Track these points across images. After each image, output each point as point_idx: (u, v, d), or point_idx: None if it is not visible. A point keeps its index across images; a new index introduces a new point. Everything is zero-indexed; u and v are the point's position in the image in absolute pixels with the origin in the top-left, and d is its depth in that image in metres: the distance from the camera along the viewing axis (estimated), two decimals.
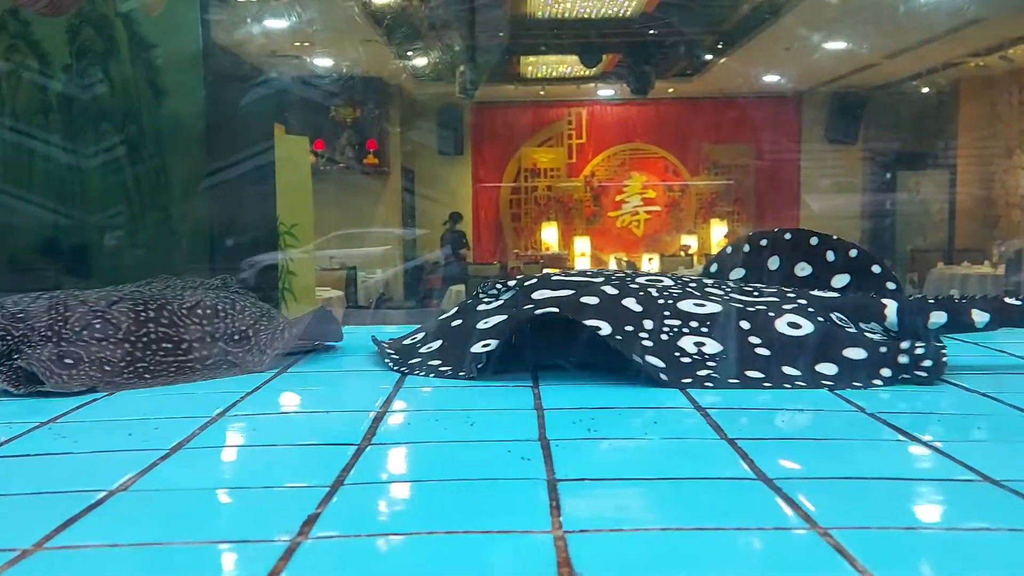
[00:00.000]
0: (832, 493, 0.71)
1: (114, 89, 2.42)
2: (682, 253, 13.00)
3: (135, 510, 0.72)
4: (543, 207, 13.96)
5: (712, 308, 1.20)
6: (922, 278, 10.40)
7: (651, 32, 10.38)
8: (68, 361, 1.18)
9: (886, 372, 1.10)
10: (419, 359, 1.27)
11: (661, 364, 1.11)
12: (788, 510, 0.66)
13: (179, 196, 2.49)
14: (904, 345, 1.12)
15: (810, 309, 1.20)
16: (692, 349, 1.14)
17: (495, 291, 1.35)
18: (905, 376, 1.10)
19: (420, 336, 1.36)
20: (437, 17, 10.02)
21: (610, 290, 1.24)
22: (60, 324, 1.24)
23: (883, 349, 1.12)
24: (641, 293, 1.23)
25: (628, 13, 9.88)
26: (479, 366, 1.19)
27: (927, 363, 1.10)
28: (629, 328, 1.15)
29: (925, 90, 11.77)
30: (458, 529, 0.66)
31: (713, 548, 0.60)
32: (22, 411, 1.06)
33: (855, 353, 1.12)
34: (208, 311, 1.35)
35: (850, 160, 13.12)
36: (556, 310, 1.18)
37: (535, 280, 1.34)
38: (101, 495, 0.74)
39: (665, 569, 0.57)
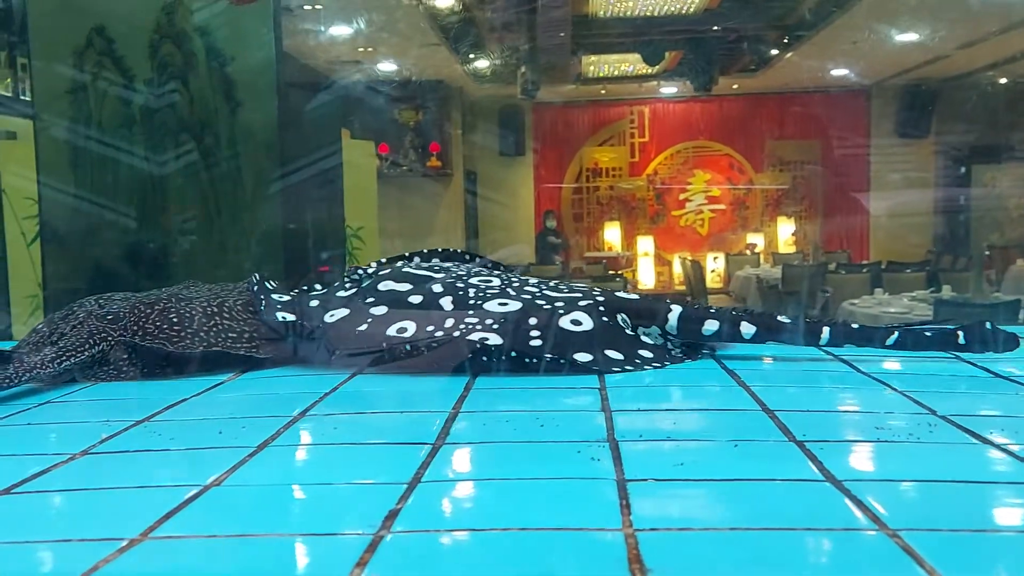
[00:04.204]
0: (901, 496, 0.72)
1: (192, 100, 2.52)
2: (748, 252, 12.79)
3: (229, 504, 0.77)
4: (605, 207, 13.91)
5: (513, 306, 1.34)
6: (1000, 275, 10.03)
7: (714, 28, 10.26)
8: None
9: (630, 367, 1.27)
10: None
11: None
12: (857, 512, 0.67)
13: (253, 201, 2.59)
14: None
15: (600, 308, 1.34)
16: (477, 340, 1.28)
17: (357, 276, 1.50)
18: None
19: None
20: (498, 19, 10.08)
21: (436, 288, 1.39)
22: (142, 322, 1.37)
23: (647, 353, 1.30)
24: (460, 293, 1.38)
25: (691, 10, 9.78)
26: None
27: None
28: (430, 328, 1.30)
29: (1002, 81, 11.34)
30: (531, 526, 0.68)
31: (782, 548, 0.62)
32: (118, 411, 1.13)
33: (613, 354, 1.28)
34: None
35: (922, 154, 12.72)
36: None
37: (388, 271, 1.48)
38: (197, 489, 0.79)
39: (734, 568, 0.59)
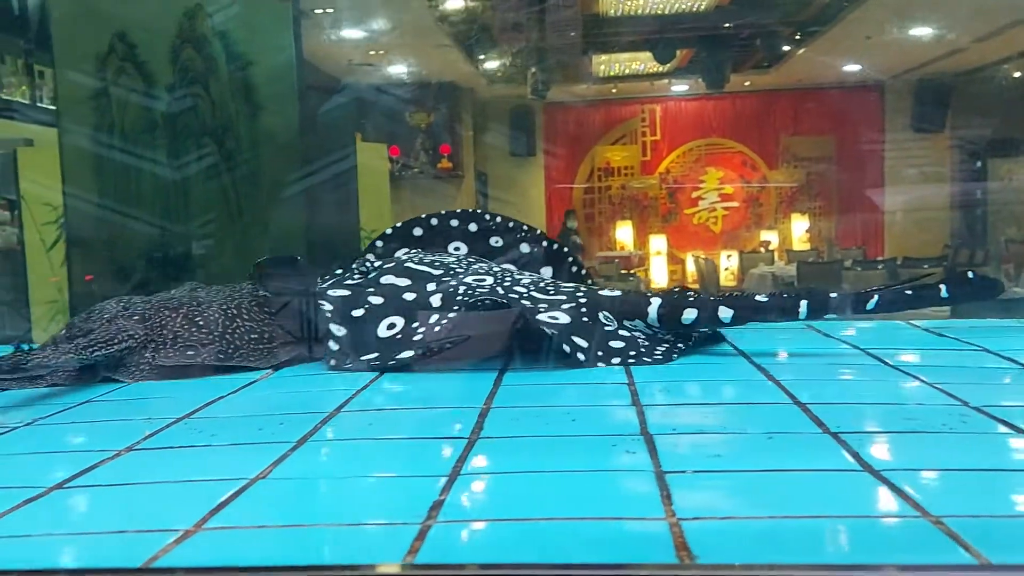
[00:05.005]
0: (941, 484, 0.73)
1: (213, 105, 2.54)
2: (762, 249, 12.74)
3: (276, 496, 0.79)
4: (617, 206, 13.89)
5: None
6: (1018, 269, 9.95)
7: (726, 25, 10.23)
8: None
9: (616, 360, 1.30)
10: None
11: (409, 353, 1.32)
12: (898, 500, 0.68)
13: (274, 205, 2.61)
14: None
15: (582, 309, 1.38)
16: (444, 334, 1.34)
17: (364, 268, 1.57)
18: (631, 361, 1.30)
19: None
20: (509, 19, 10.09)
21: (431, 286, 1.45)
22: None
23: (617, 344, 1.32)
24: (451, 291, 1.43)
25: (702, 7, 9.76)
26: None
27: (657, 355, 1.31)
28: (415, 324, 1.38)
29: (1017, 74, 11.25)
30: (575, 516, 0.70)
31: (827, 535, 0.63)
32: (157, 409, 1.15)
33: (579, 341, 1.30)
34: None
35: (937, 149, 12.63)
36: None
37: (392, 264, 1.54)
38: (244, 483, 0.81)
39: (781, 554, 0.60)
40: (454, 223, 1.75)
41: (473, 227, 1.74)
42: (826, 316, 1.33)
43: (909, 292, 1.32)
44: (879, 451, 0.82)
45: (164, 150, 2.59)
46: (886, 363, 1.26)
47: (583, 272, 1.72)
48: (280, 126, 2.57)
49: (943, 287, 1.31)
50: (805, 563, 0.57)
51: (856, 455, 0.80)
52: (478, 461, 0.86)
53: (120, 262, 2.65)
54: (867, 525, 0.64)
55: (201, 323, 1.41)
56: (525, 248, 1.71)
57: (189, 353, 1.37)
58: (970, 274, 1.33)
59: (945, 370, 1.21)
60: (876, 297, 1.30)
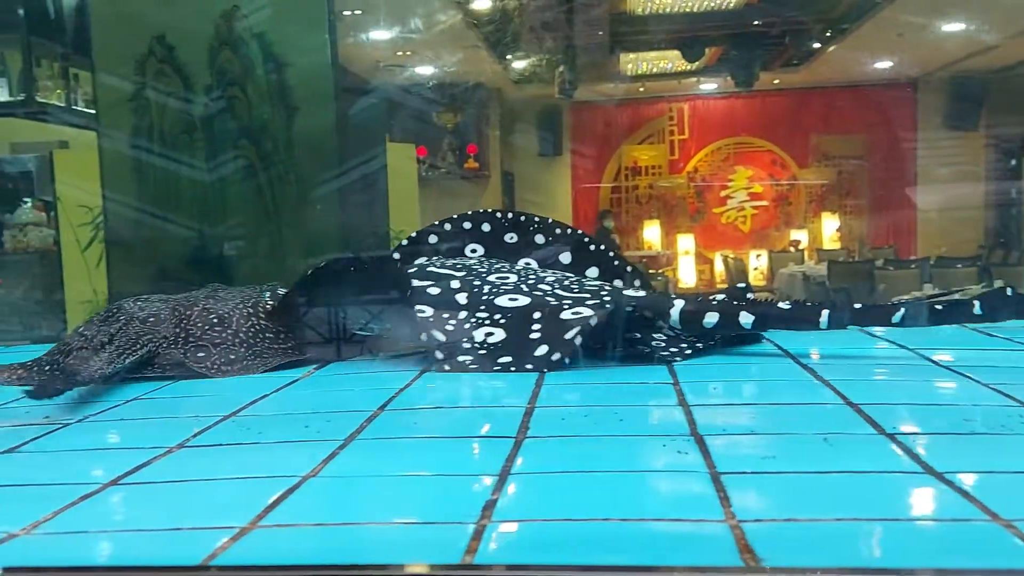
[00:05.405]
0: (1007, 486, 0.71)
1: (251, 106, 2.57)
2: (792, 248, 12.62)
3: (329, 494, 0.79)
4: (644, 206, 13.83)
5: (523, 301, 1.40)
6: None
7: (755, 23, 10.14)
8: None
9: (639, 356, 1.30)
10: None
11: (440, 354, 1.33)
12: (966, 502, 0.67)
13: (310, 206, 2.62)
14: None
15: (607, 305, 1.37)
16: (480, 338, 1.35)
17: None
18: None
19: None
20: (536, 19, 10.09)
21: (455, 284, 1.47)
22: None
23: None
24: (475, 289, 1.45)
25: (731, 5, 9.69)
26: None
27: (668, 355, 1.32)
28: (452, 321, 1.39)
29: None
30: (631, 517, 0.69)
31: (894, 538, 0.62)
32: (204, 407, 1.16)
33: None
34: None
35: (971, 147, 12.43)
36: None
37: (415, 269, 1.55)
38: (296, 480, 0.81)
39: (848, 558, 0.59)
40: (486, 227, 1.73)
41: (513, 232, 1.72)
42: (849, 327, 1.30)
43: (939, 307, 1.27)
44: (939, 453, 0.80)
45: (202, 152, 2.61)
46: (936, 363, 1.23)
47: (626, 267, 1.71)
48: (316, 127, 2.59)
49: (977, 303, 1.26)
50: (876, 567, 0.56)
51: (916, 457, 0.78)
52: (527, 460, 0.85)
53: (158, 263, 2.68)
54: (936, 528, 0.63)
55: (216, 320, 1.42)
56: (559, 249, 1.70)
57: (230, 358, 1.37)
58: (1008, 291, 1.29)
59: (999, 370, 1.18)
60: (903, 310, 1.26)
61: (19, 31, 7.38)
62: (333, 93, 2.50)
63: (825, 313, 1.29)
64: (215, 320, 1.43)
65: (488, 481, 0.79)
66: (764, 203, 13.40)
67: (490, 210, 1.75)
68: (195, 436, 1.00)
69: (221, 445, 0.96)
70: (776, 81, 12.51)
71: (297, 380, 1.33)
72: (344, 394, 1.24)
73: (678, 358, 1.33)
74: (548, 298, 1.42)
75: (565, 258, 1.69)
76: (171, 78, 2.58)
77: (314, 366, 1.42)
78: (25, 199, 6.10)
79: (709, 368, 1.28)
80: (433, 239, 1.75)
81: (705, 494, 0.73)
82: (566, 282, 1.51)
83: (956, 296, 1.33)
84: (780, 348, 1.39)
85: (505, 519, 0.70)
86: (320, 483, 0.81)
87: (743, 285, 1.56)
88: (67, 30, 7.69)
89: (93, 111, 3.06)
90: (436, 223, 1.78)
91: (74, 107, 7.97)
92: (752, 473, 0.78)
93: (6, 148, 6.59)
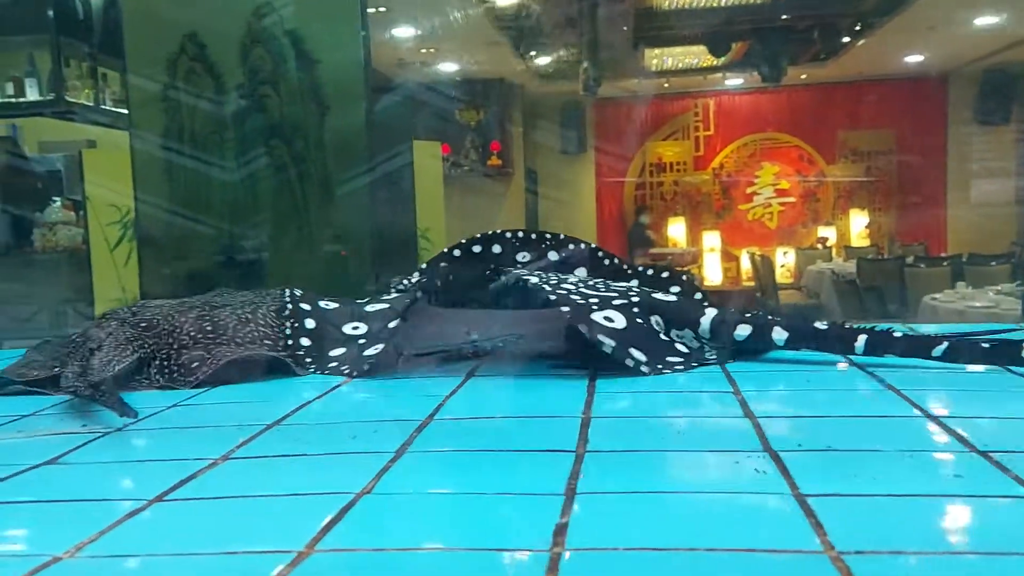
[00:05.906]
0: None
1: (282, 104, 2.54)
2: (819, 246, 12.46)
3: (385, 514, 0.75)
4: (670, 202, 13.72)
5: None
6: None
7: (783, 17, 10.01)
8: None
9: (645, 369, 1.24)
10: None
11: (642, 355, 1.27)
12: None
13: (342, 205, 2.59)
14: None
15: (635, 309, 1.32)
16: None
17: (403, 286, 1.55)
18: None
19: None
20: (560, 15, 10.02)
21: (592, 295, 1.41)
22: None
23: (674, 359, 1.27)
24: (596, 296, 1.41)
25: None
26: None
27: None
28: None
29: None
30: (719, 546, 0.64)
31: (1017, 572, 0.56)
32: (246, 414, 1.12)
33: (637, 353, 1.25)
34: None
35: (1003, 142, 12.22)
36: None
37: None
38: (350, 498, 0.77)
39: None
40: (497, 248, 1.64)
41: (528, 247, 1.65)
42: (885, 355, 1.22)
43: (986, 345, 1.19)
44: None
45: (233, 151, 2.59)
46: (1017, 373, 1.17)
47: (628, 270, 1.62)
48: (347, 125, 2.56)
49: None
50: None
51: (1021, 480, 0.72)
52: (593, 479, 0.81)
53: (190, 261, 2.66)
54: None
55: (209, 327, 1.37)
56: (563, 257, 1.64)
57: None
58: None
59: None
60: (946, 344, 1.18)
61: (48, 32, 7.44)
62: (364, 91, 2.46)
63: (863, 339, 1.22)
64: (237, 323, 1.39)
65: (554, 501, 0.74)
66: (791, 199, 13.25)
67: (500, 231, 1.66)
68: (240, 446, 0.96)
69: (268, 457, 0.92)
70: (803, 76, 12.37)
71: (337, 387, 1.29)
72: (387, 402, 1.19)
73: (720, 362, 1.28)
74: (574, 296, 1.35)
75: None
76: (202, 76, 2.56)
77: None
78: (54, 198, 6.14)
79: (770, 376, 1.22)
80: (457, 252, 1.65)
81: (795, 520, 0.67)
82: (590, 282, 1.46)
83: (1008, 335, 1.23)
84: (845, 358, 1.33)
85: (581, 547, 0.65)
86: (375, 501, 0.77)
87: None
88: (95, 30, 7.74)
89: (124, 110, 3.05)
90: (444, 250, 1.66)
91: (102, 106, 8.03)
92: (841, 496, 0.72)
93: (35, 148, 6.65)
